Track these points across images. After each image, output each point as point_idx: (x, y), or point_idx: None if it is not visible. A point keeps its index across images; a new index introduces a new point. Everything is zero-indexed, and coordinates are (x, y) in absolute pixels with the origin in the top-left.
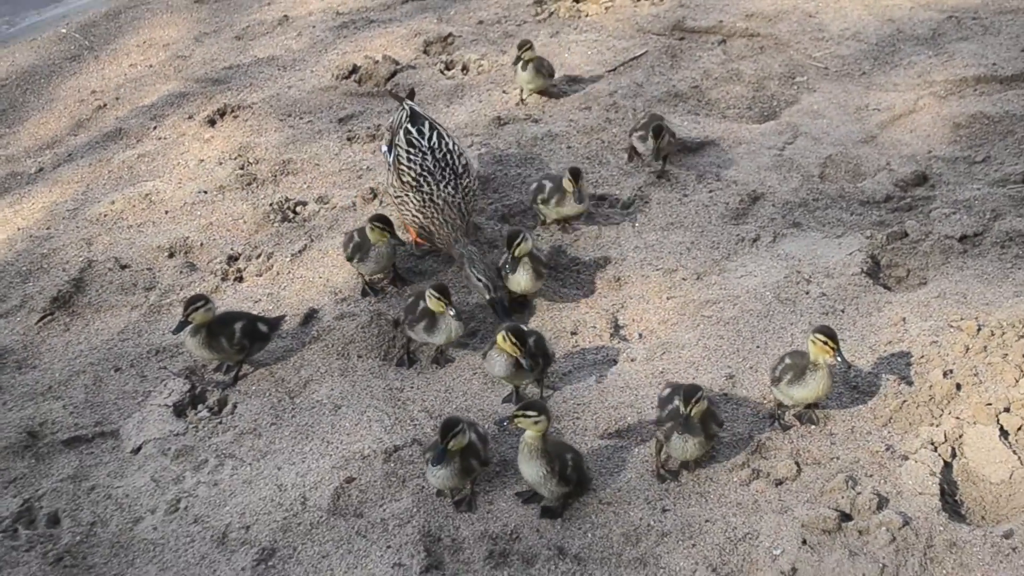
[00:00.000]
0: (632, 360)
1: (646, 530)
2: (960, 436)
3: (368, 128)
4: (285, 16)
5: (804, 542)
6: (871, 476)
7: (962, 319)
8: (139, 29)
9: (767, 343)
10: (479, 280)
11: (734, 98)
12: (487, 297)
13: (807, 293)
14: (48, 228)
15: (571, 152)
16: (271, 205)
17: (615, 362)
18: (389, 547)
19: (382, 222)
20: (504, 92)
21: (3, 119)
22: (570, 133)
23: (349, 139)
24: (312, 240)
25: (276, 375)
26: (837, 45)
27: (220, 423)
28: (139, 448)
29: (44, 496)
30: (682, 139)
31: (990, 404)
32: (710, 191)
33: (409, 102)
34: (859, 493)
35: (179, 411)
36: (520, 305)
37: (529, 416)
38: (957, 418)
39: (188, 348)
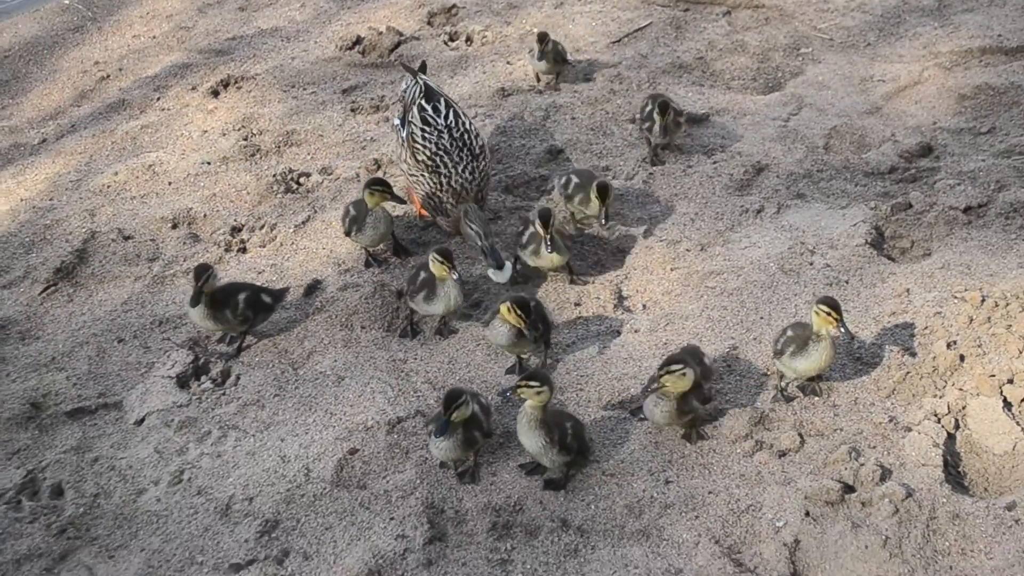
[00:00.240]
0: (636, 331)
1: (649, 502)
2: (963, 408)
3: (372, 99)
4: None
5: (807, 514)
6: (874, 448)
7: (966, 290)
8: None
9: (771, 314)
10: (471, 228)
11: (739, 69)
12: (479, 244)
13: (811, 264)
14: (51, 199)
15: (575, 123)
16: (274, 176)
17: (619, 333)
18: (392, 519)
19: (380, 184)
20: (508, 63)
21: (6, 90)
22: (575, 104)
23: (353, 110)
24: (315, 211)
25: (279, 346)
26: (842, 16)
27: (223, 394)
28: (142, 419)
29: (47, 468)
30: (687, 112)
31: (994, 375)
32: (714, 162)
33: (423, 76)
34: (862, 465)
35: (182, 382)
36: (524, 278)
37: (532, 386)
38: (960, 389)
39: (192, 319)
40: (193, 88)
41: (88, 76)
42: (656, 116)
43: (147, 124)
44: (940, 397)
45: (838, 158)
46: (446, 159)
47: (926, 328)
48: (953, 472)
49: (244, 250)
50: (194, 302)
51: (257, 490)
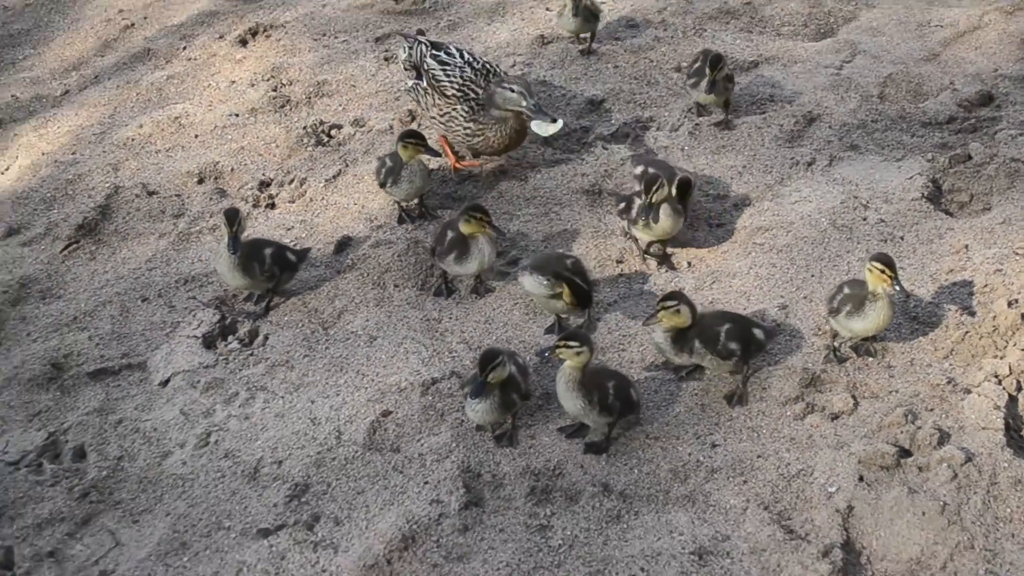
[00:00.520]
0: (680, 290)
1: (695, 466)
2: None
3: None
4: None
5: (861, 479)
6: (931, 410)
7: None
8: None
9: (822, 272)
10: (511, 90)
11: (789, 15)
12: (524, 104)
13: (864, 219)
14: (74, 153)
15: (618, 72)
16: (304, 128)
17: (663, 292)
18: (427, 483)
19: (414, 137)
20: (548, 9)
21: (28, 39)
22: (616, 52)
23: (386, 59)
24: (347, 165)
25: (309, 305)
26: None
27: (251, 355)
28: (167, 380)
29: (69, 430)
30: (735, 58)
31: None
32: (763, 113)
33: (422, 37)
34: (919, 428)
35: (209, 342)
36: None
37: (571, 347)
38: (1023, 350)
39: (220, 273)
40: (221, 37)
41: (112, 25)
42: (707, 71)
43: (173, 75)
44: (1001, 358)
45: (893, 107)
46: (473, 86)
47: (986, 286)
48: (1015, 436)
49: (273, 206)
50: (233, 248)
51: (286, 453)
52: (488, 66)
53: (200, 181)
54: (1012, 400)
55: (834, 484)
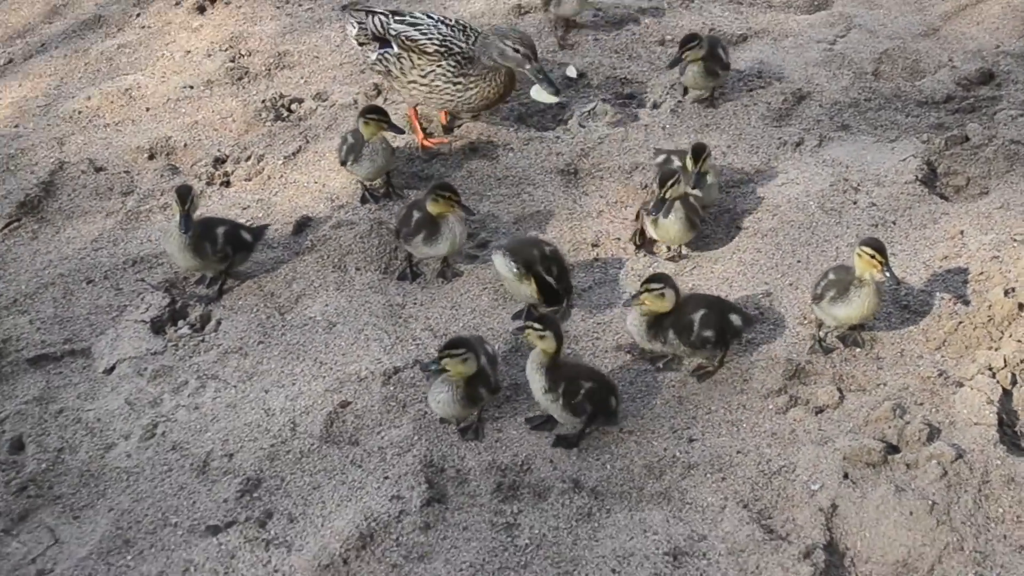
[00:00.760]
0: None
1: (671, 462)
2: (1021, 361)
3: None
4: None
5: (846, 476)
6: (921, 404)
7: None
8: None
9: (809, 257)
10: (515, 49)
11: None
12: (528, 67)
13: (855, 203)
14: (16, 126)
15: (598, 45)
16: (263, 102)
17: (640, 277)
18: (387, 478)
19: (375, 113)
20: None
21: None
22: (597, 24)
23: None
24: (308, 141)
25: (265, 289)
26: None
27: (202, 341)
28: (112, 368)
29: (7, 420)
30: (723, 31)
31: None
32: (750, 89)
33: (377, 8)
34: (908, 423)
35: (157, 327)
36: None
37: (536, 329)
38: (1019, 341)
39: (171, 254)
40: (177, 3)
41: None
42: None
43: (124, 43)
44: (996, 349)
45: (888, 85)
46: (455, 40)
47: (981, 274)
48: (1009, 432)
49: (228, 183)
50: (185, 227)
51: (238, 446)
52: (461, 22)
53: (151, 157)
54: (1006, 394)
55: (817, 482)
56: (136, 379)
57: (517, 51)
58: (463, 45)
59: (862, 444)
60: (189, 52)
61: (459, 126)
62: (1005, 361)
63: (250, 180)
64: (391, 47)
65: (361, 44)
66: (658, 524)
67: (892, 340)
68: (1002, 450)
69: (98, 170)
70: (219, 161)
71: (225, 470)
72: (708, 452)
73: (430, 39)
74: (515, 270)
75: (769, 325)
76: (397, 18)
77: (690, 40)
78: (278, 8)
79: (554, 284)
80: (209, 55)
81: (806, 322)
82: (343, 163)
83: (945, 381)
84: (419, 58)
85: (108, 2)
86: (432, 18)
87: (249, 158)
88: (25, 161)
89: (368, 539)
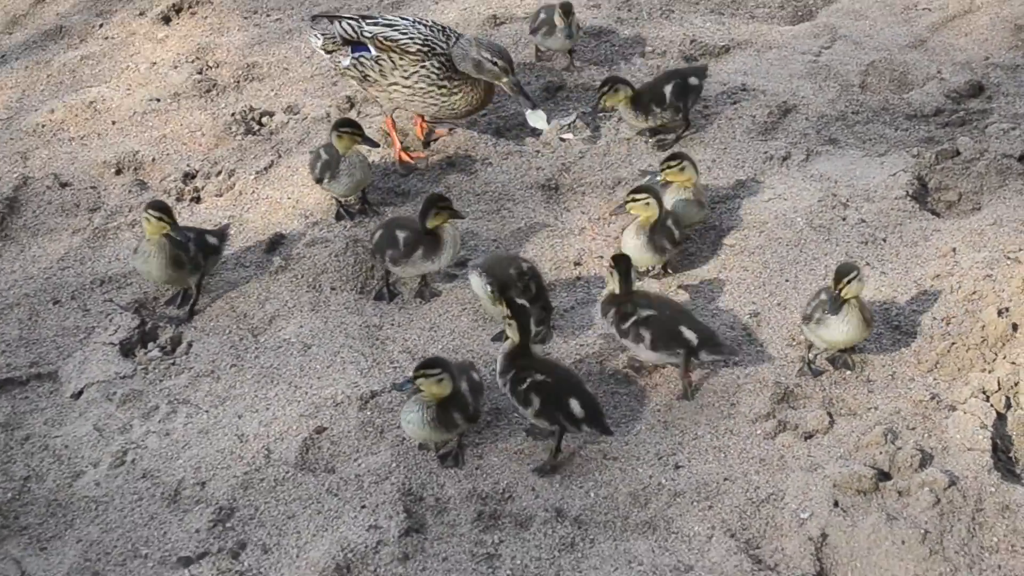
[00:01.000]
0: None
1: (656, 489)
2: (1016, 384)
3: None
4: None
5: (836, 504)
6: (913, 429)
7: (1020, 250)
8: None
9: (797, 276)
10: (488, 59)
11: None
12: (505, 80)
13: (844, 219)
14: None
15: (578, 56)
16: (233, 115)
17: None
18: (364, 507)
19: (349, 126)
20: None
21: None
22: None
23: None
24: (280, 155)
25: (237, 310)
26: None
27: (173, 364)
28: (80, 392)
29: None
30: (704, 43)
31: None
32: (734, 102)
33: (344, 15)
34: (899, 449)
35: (127, 350)
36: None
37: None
38: (1013, 363)
39: (148, 270)
40: (141, 14)
41: None
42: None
43: (88, 55)
44: (989, 372)
45: (876, 98)
46: (436, 40)
47: (974, 293)
48: (1003, 457)
49: (198, 199)
50: (180, 237)
51: (210, 473)
52: (438, 24)
53: (118, 172)
54: (1000, 418)
55: (807, 510)
56: (105, 404)
57: (495, 64)
58: (445, 46)
59: (853, 471)
60: (155, 64)
61: (436, 140)
62: (999, 384)
63: (221, 196)
64: (367, 50)
65: (329, 52)
66: (643, 554)
67: (883, 362)
68: (996, 477)
69: (63, 185)
70: (188, 176)
71: (197, 499)
72: (694, 479)
73: (411, 39)
74: (489, 292)
75: (756, 347)
76: (370, 21)
77: (604, 84)
78: (245, 19)
79: (528, 312)
80: (175, 67)
81: (795, 343)
82: (319, 181)
83: (938, 405)
84: (400, 58)
85: (70, 11)
86: (407, 20)
87: (220, 173)
88: None
89: (345, 571)
